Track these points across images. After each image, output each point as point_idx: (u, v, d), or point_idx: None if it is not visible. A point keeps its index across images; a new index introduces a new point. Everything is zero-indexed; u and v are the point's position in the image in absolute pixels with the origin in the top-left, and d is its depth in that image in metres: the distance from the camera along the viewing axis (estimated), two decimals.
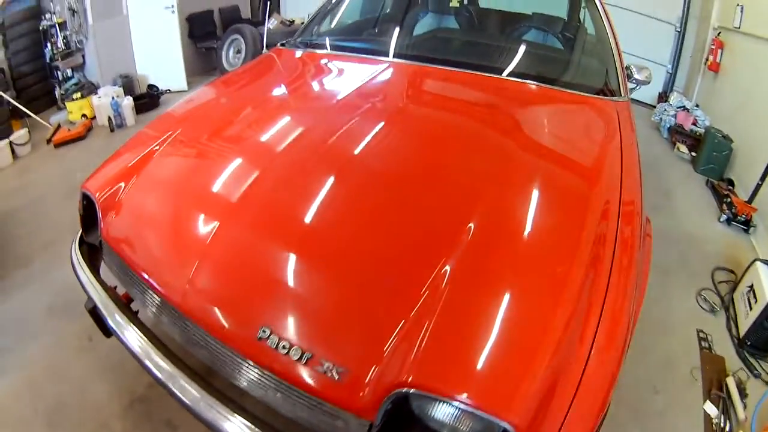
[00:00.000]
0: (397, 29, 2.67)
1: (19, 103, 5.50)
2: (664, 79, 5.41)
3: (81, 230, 1.83)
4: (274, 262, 1.38)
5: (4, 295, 2.62)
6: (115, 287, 1.62)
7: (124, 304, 1.56)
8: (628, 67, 2.47)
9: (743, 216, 3.47)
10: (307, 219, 1.43)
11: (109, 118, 5.14)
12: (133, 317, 1.49)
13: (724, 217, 3.50)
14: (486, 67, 2.30)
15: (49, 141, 4.98)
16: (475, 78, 2.24)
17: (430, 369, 1.08)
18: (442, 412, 1.08)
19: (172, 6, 5.87)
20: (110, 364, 2.14)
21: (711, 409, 2.16)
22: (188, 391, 1.28)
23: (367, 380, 1.12)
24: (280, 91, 2.29)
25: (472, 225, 1.35)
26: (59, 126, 5.26)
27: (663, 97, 5.32)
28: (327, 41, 2.72)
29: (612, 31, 2.55)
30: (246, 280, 1.34)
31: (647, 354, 2.43)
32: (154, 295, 1.43)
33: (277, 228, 1.44)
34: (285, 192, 1.52)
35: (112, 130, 5.14)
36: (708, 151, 4.18)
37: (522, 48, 2.63)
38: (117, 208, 1.65)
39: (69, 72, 5.85)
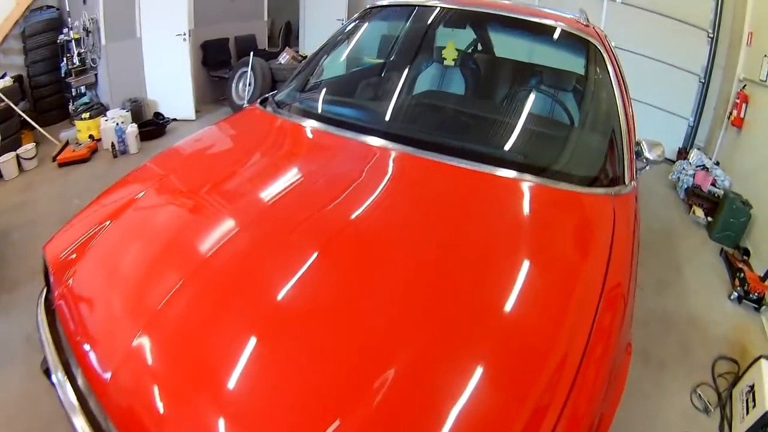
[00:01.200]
0: (386, 94, 2.43)
1: (35, 112, 5.58)
2: (686, 132, 5.10)
3: (45, 288, 1.67)
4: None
5: None
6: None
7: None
8: (638, 143, 2.11)
9: (755, 294, 3.17)
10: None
11: (113, 144, 5.08)
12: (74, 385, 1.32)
13: (735, 294, 3.21)
14: (470, 153, 1.87)
15: (54, 159, 4.94)
16: (455, 170, 1.80)
17: None
18: None
19: (184, 34, 5.80)
20: None
21: None
22: None
23: None
24: (249, 164, 1.98)
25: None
26: (67, 143, 5.25)
27: (683, 153, 5.02)
28: (305, 107, 2.35)
29: (625, 103, 2.15)
30: (179, 369, 1.16)
31: None
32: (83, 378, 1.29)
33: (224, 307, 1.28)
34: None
35: (114, 156, 5.08)
36: (725, 217, 3.88)
37: (517, 124, 2.19)
38: (70, 276, 1.51)
39: (83, 89, 5.84)
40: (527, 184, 1.75)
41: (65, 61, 5.64)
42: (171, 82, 6.02)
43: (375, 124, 2.15)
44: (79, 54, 5.62)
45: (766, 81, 4.10)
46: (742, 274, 3.31)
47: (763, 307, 3.15)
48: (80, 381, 1.31)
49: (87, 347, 1.30)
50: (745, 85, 4.55)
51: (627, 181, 1.88)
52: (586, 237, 1.64)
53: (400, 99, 2.36)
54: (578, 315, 1.27)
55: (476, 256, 1.46)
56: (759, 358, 2.42)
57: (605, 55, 2.32)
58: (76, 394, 1.29)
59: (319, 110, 2.34)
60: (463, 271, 1.39)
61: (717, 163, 4.58)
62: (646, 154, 2.06)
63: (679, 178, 4.49)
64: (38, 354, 1.98)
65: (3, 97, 4.91)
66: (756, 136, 4.29)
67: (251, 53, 6.19)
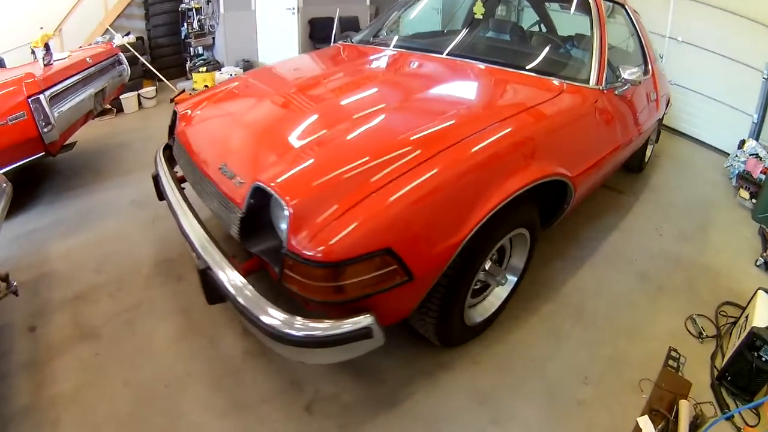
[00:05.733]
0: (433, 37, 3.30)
1: (155, 67, 6.17)
2: (750, 129, 4.66)
3: (168, 137, 2.47)
4: (251, 135, 1.94)
5: (105, 190, 3.43)
6: (176, 172, 2.22)
7: (176, 180, 2.11)
8: (617, 67, 2.38)
9: None
10: (284, 117, 2.03)
11: None
12: (178, 187, 2.03)
13: (762, 260, 2.89)
14: (478, 57, 2.52)
15: (172, 100, 5.50)
16: (467, 65, 2.48)
17: (277, 176, 1.46)
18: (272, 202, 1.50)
19: (293, 8, 6.20)
20: (159, 238, 2.79)
21: (646, 424, 1.75)
22: (193, 230, 1.72)
23: (248, 184, 1.53)
24: (326, 68, 2.83)
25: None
26: (183, 90, 5.78)
27: (742, 145, 4.58)
28: (368, 40, 3.12)
29: (602, 25, 2.48)
30: (232, 146, 1.91)
31: (594, 346, 2.10)
32: (191, 164, 2.02)
33: (265, 121, 2.03)
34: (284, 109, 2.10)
35: None
36: None
37: (511, 42, 3.14)
38: (188, 120, 2.27)
39: (200, 50, 6.42)
40: (504, 71, 2.36)
41: (186, 26, 6.24)
42: (280, 49, 6.44)
43: (416, 45, 2.90)
44: (199, 20, 6.21)
45: None
46: None
47: None
48: (188, 170, 2.10)
49: (197, 148, 2.05)
50: None
51: (592, 81, 2.27)
52: (513, 99, 2.13)
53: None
54: (448, 138, 1.60)
55: (437, 100, 2.08)
56: (758, 290, 2.19)
57: None
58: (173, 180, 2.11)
59: (377, 40, 3.11)
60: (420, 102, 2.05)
61: None
62: (624, 75, 2.29)
63: (732, 164, 4.12)
64: (138, 211, 3.11)
65: (130, 47, 5.58)
66: None
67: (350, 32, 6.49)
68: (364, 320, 1.31)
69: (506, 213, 1.65)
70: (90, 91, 3.56)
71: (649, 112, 3.17)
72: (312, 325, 1.29)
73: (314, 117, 1.93)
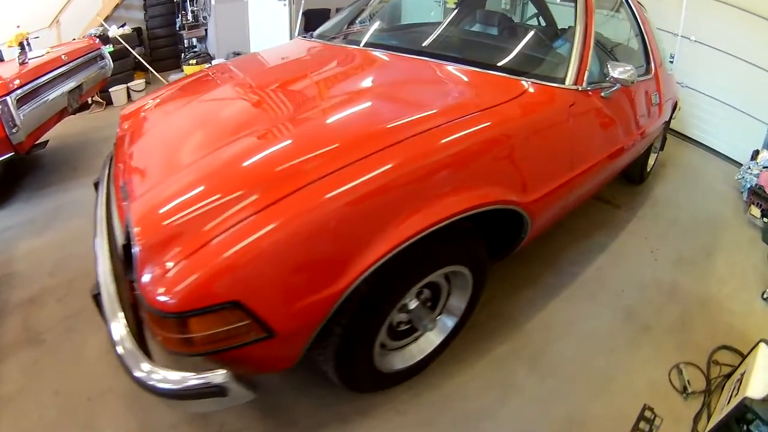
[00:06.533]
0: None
1: (150, 60, 5.96)
2: (765, 139, 4.19)
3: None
4: (153, 151, 1.67)
5: (78, 187, 3.27)
6: None
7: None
8: (605, 65, 2.02)
9: None
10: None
11: None
12: (108, 202, 1.74)
13: None
14: (436, 55, 2.14)
15: None
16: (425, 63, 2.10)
17: (142, 204, 1.28)
18: None
19: (285, 0, 5.90)
20: None
21: None
22: (102, 255, 1.50)
23: None
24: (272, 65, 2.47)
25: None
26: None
27: (756, 156, 4.12)
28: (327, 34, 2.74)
29: (588, 22, 2.07)
30: (136, 161, 1.64)
31: (550, 402, 1.74)
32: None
33: (171, 134, 1.75)
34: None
35: None
36: None
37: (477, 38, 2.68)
38: (124, 127, 2.01)
39: (194, 41, 6.18)
40: (455, 71, 1.96)
41: (180, 17, 6.02)
42: (271, 41, 6.10)
43: (372, 40, 2.46)
44: (192, 11, 5.97)
45: None
46: None
47: None
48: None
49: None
50: None
51: (569, 81, 1.89)
52: (470, 99, 1.73)
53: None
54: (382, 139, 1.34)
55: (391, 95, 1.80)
56: (759, 342, 1.80)
57: None
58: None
59: (332, 36, 2.69)
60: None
61: None
62: (612, 74, 1.94)
63: (744, 177, 3.67)
64: None
65: (120, 40, 5.43)
66: None
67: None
68: (214, 377, 1.12)
69: (422, 252, 1.37)
70: (63, 89, 3.44)
71: (649, 116, 2.77)
72: (164, 376, 1.12)
73: (207, 134, 1.62)
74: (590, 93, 1.97)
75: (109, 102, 5.25)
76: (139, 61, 5.58)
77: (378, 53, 2.21)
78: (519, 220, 1.69)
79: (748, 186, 3.59)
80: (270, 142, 1.41)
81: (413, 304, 1.61)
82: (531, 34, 2.30)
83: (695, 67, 4.49)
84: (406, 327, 1.67)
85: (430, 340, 1.77)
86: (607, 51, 2.95)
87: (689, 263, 2.69)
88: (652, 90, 2.83)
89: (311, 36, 2.77)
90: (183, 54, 6.14)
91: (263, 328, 1.10)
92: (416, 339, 1.76)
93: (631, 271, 2.55)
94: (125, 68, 5.52)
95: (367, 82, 1.95)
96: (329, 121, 1.55)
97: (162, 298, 1.02)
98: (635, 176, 3.46)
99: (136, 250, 1.10)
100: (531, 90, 1.76)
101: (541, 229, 1.96)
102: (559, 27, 2.90)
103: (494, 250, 1.86)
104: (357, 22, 2.88)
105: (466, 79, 1.89)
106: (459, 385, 1.78)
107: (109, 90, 5.25)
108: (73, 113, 3.94)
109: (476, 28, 2.89)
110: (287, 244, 1.08)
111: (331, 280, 1.14)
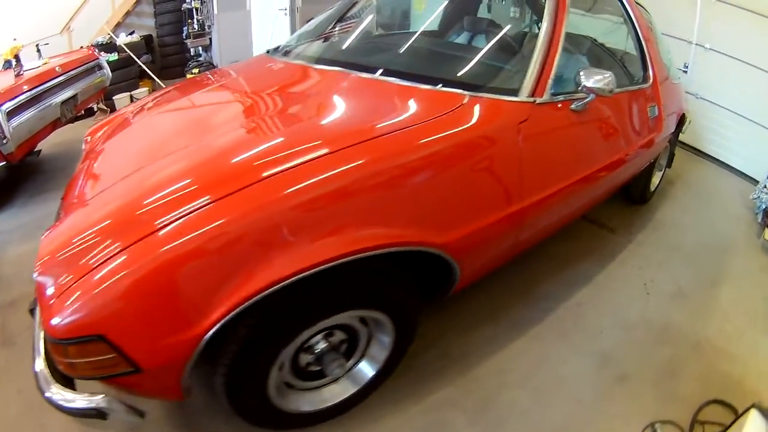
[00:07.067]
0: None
1: (160, 68, 6.07)
2: None
3: None
4: (84, 178, 1.64)
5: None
6: None
7: None
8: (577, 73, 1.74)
9: None
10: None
11: None
12: None
13: None
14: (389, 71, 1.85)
15: None
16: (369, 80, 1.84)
17: (50, 232, 1.31)
18: None
19: (286, 9, 5.82)
20: None
21: None
22: None
23: None
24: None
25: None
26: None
27: None
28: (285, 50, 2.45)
29: (555, 29, 1.80)
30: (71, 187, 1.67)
31: None
32: None
33: (104, 160, 1.71)
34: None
35: None
36: None
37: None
38: (86, 148, 1.98)
39: (200, 50, 6.16)
40: (402, 86, 1.71)
41: (187, 26, 6.03)
42: None
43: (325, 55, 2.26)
44: (198, 20, 5.94)
45: None
46: None
47: None
48: None
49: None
50: None
51: (524, 92, 1.64)
52: (367, 123, 1.46)
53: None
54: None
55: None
56: (751, 408, 1.49)
57: None
58: None
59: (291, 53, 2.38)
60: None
61: None
62: (584, 82, 1.68)
63: (759, 197, 3.30)
64: None
65: (125, 48, 5.51)
66: None
67: None
68: (95, 401, 1.17)
69: (310, 295, 1.24)
70: (56, 100, 3.49)
71: (645, 131, 2.47)
72: (63, 396, 1.19)
73: (127, 160, 1.56)
74: (559, 105, 1.72)
75: (113, 109, 5.29)
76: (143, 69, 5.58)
77: (317, 68, 2.00)
78: (443, 262, 1.45)
79: (764, 207, 3.22)
80: (153, 176, 1.34)
81: (321, 346, 1.43)
82: (495, 40, 2.04)
83: (710, 77, 4.12)
84: (318, 368, 1.48)
85: (346, 386, 1.55)
86: (617, 59, 2.69)
87: (688, 297, 2.36)
88: (648, 101, 2.52)
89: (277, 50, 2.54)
90: (188, 63, 6.11)
91: (129, 362, 1.09)
92: (336, 380, 1.55)
93: (616, 307, 2.22)
94: (130, 76, 5.61)
95: (274, 108, 1.75)
96: (205, 157, 1.39)
97: (50, 324, 1.05)
98: (636, 196, 3.13)
99: (34, 276, 1.14)
100: (466, 106, 1.51)
101: (484, 271, 1.72)
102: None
103: (431, 291, 1.64)
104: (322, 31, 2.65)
105: (394, 96, 1.66)
106: (385, 430, 1.55)
107: (113, 98, 5.34)
108: (69, 122, 4.00)
109: (448, 38, 2.65)
110: (149, 282, 1.06)
111: (190, 322, 1.10)
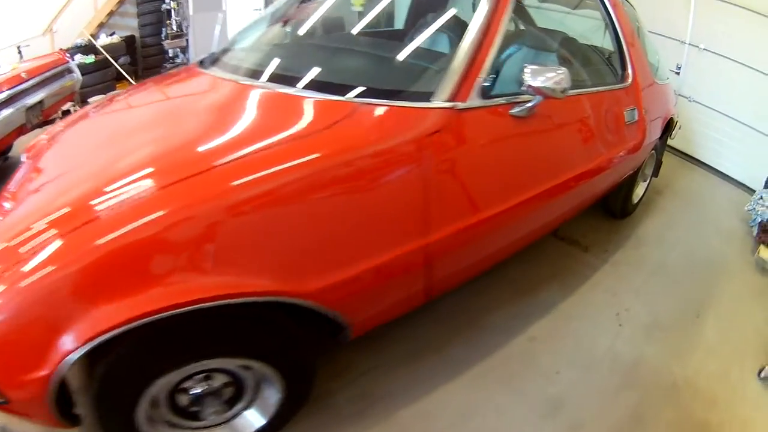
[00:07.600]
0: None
1: (142, 69, 5.95)
2: None
3: None
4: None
5: None
6: None
7: None
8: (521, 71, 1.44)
9: None
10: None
11: None
12: None
13: None
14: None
15: None
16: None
17: None
18: None
19: (260, 9, 5.64)
20: None
21: None
22: None
23: None
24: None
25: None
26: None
27: None
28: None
29: (491, 28, 1.49)
30: None
31: None
32: None
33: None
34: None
35: None
36: None
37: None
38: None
39: (178, 51, 6.00)
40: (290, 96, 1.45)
41: (165, 27, 5.90)
42: None
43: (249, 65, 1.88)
44: (176, 21, 5.80)
45: None
46: None
47: None
48: None
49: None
50: None
51: (442, 96, 1.35)
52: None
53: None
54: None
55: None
56: None
57: None
58: None
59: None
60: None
61: None
62: (528, 81, 1.38)
63: (754, 209, 2.97)
64: None
65: (102, 50, 5.42)
66: None
67: None
68: None
69: (162, 342, 1.07)
70: (19, 106, 3.42)
71: (619, 139, 2.18)
72: None
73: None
74: (499, 110, 1.44)
75: None
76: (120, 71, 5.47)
77: (228, 81, 1.68)
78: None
79: (759, 220, 2.90)
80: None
81: (198, 389, 1.23)
82: (422, 34, 1.75)
83: (704, 79, 3.82)
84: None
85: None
86: (593, 57, 2.40)
87: (667, 329, 2.04)
88: (626, 104, 2.23)
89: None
90: (164, 64, 5.94)
91: None
92: (228, 421, 1.33)
93: (579, 342, 1.91)
94: (106, 78, 5.50)
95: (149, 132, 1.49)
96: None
97: None
98: (616, 209, 2.82)
99: None
100: (350, 118, 1.25)
101: (390, 316, 1.48)
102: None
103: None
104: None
105: (272, 111, 1.43)
106: None
107: (88, 100, 5.12)
108: (36, 127, 3.82)
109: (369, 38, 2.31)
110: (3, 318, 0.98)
111: (35, 364, 1.00)
